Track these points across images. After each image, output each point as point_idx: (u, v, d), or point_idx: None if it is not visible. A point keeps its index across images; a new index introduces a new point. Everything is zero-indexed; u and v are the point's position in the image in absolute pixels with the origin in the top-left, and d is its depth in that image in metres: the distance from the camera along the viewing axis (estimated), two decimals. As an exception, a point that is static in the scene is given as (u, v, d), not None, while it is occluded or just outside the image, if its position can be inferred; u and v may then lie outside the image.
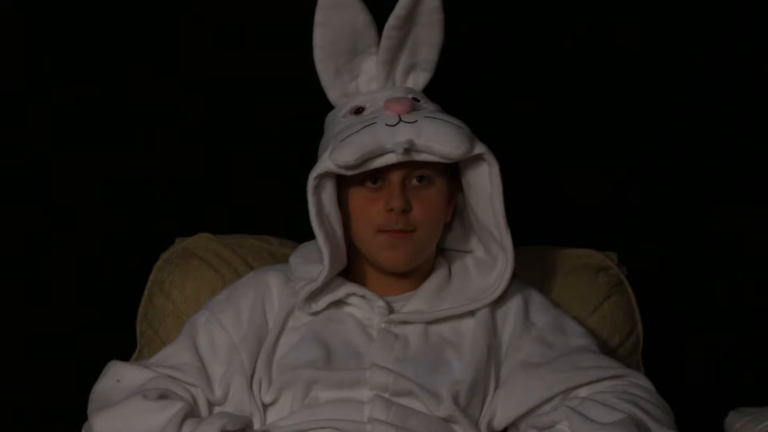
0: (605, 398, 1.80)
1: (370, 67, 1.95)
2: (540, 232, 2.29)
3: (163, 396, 1.81)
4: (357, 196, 1.90)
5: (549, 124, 2.52)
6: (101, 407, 1.81)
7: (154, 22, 2.48)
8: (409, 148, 1.83)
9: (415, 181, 1.89)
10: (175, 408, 1.77)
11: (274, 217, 2.42)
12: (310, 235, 1.91)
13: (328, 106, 1.98)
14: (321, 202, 1.87)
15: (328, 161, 1.85)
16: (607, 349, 2.11)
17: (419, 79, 1.97)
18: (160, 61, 2.49)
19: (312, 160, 1.91)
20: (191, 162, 2.49)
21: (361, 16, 1.92)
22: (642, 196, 2.54)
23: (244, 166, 2.49)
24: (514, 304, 1.95)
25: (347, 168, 1.84)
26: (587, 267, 2.20)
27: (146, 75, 2.48)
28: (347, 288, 1.91)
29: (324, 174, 1.86)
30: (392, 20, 1.90)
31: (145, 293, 2.20)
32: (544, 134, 2.52)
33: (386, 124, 1.85)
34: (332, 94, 1.97)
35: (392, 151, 1.84)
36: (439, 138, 1.84)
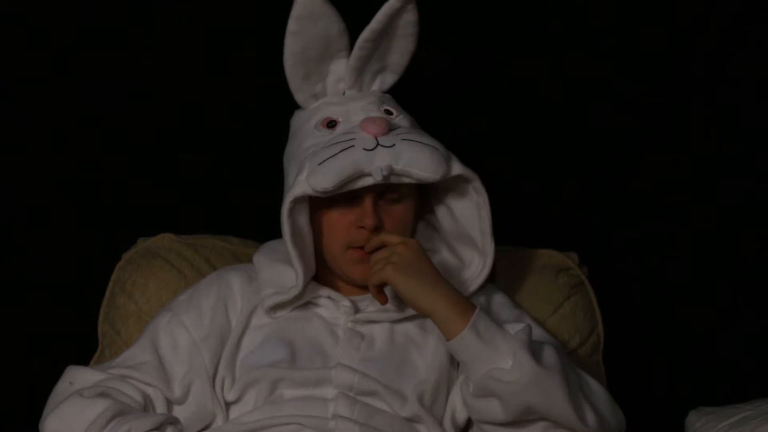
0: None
1: (339, 68, 1.93)
2: (500, 232, 2.28)
3: (102, 394, 1.81)
4: (328, 213, 1.89)
5: (509, 125, 2.53)
6: (51, 410, 1.81)
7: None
8: (388, 174, 1.83)
9: (386, 198, 1.89)
10: (103, 405, 1.76)
11: (236, 218, 2.42)
12: (272, 235, 1.91)
13: (294, 106, 1.97)
14: (295, 223, 1.86)
15: (306, 185, 1.82)
16: (567, 350, 2.12)
17: (386, 81, 1.96)
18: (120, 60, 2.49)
19: (276, 160, 1.91)
20: (154, 162, 2.48)
21: (335, 26, 1.89)
22: (602, 197, 2.55)
23: (206, 167, 2.49)
24: (477, 304, 1.95)
25: (325, 193, 1.83)
26: (548, 267, 2.20)
27: (106, 75, 2.48)
28: (313, 293, 1.91)
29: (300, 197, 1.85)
30: (367, 33, 1.88)
31: (107, 293, 2.17)
32: (504, 135, 2.53)
33: (364, 149, 1.84)
34: (300, 97, 1.95)
35: (369, 174, 1.83)
36: (417, 163, 1.84)
